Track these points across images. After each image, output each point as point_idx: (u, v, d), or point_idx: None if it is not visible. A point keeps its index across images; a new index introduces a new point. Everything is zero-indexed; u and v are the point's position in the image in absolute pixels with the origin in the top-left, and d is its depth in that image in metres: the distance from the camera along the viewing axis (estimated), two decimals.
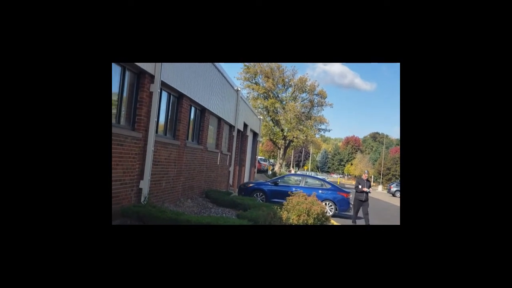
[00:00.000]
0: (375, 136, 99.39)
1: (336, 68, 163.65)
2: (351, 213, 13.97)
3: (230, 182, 16.13)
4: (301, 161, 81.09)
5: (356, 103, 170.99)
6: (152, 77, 7.44)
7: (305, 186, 13.82)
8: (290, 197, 9.48)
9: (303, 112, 39.16)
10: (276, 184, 14.08)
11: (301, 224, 8.40)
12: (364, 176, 12.03)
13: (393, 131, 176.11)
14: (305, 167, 74.44)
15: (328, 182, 14.90)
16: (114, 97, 6.62)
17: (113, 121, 6.60)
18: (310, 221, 8.56)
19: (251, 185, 14.64)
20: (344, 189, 14.82)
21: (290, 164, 72.03)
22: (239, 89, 16.16)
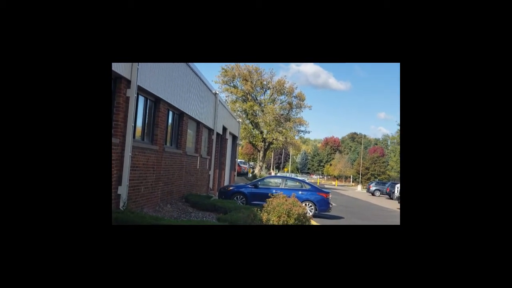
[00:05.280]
0: (353, 137, 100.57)
1: (309, 68, 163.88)
2: (331, 213, 14.13)
3: (210, 185, 16.08)
4: (281, 163, 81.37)
5: (333, 103, 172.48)
6: (128, 82, 7.38)
7: (285, 187, 13.90)
8: (270, 199, 9.52)
9: (282, 114, 39.35)
10: (256, 186, 14.11)
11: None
12: None
13: (371, 131, 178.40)
14: (285, 169, 74.65)
15: (307, 183, 15.01)
16: None
17: None
18: (291, 222, 8.62)
19: (231, 188, 14.63)
20: (324, 190, 14.97)
21: (270, 166, 72.17)
22: (217, 92, 16.15)
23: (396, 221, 14.38)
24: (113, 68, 6.64)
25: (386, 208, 21.89)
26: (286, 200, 9.32)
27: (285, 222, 8.57)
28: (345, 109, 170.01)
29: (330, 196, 14.24)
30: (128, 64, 7.29)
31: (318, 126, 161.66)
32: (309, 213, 12.80)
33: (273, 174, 49.28)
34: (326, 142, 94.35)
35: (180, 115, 11.49)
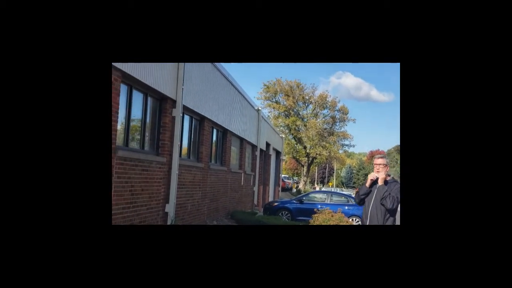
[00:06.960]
0: (399, 149, 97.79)
1: (350, 80, 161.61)
2: None
3: (255, 202, 16.09)
4: (325, 177, 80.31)
5: (377, 115, 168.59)
6: (174, 101, 7.58)
7: (331, 202, 13.68)
8: (316, 215, 9.39)
9: (325, 128, 39.02)
10: (301, 202, 13.98)
11: None
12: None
13: None
14: (330, 183, 73.57)
15: (353, 198, 14.69)
16: (138, 123, 6.77)
17: (137, 147, 6.74)
18: None
19: (276, 204, 14.58)
20: None
21: (315, 181, 71.38)
22: (260, 108, 16.27)
23: None
24: (159, 89, 6.86)
25: None
26: (332, 216, 9.17)
27: None
28: (389, 120, 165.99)
29: None
30: (173, 85, 7.50)
31: (363, 139, 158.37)
32: None
33: (317, 188, 48.69)
34: (372, 155, 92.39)
35: (224, 133, 11.65)
